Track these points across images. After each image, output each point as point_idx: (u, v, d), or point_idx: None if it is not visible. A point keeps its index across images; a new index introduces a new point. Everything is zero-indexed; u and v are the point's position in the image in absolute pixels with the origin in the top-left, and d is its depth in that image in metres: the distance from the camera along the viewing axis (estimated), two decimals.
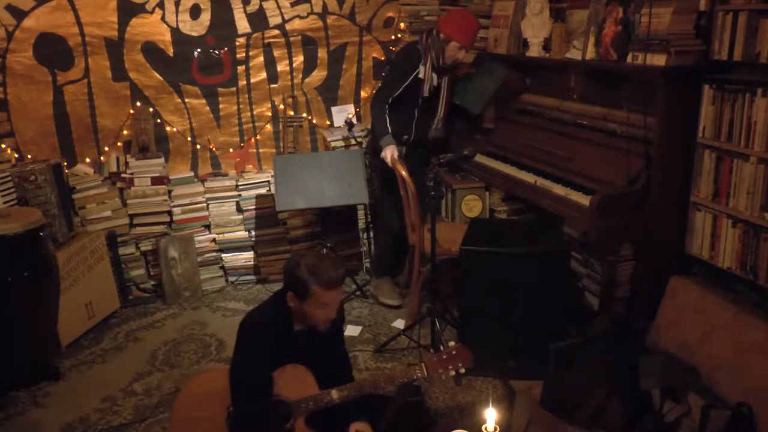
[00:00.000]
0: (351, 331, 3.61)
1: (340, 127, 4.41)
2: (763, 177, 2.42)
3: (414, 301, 3.54)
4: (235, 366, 2.25)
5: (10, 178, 3.48)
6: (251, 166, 4.42)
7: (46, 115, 3.92)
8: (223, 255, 4.29)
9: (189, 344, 3.56)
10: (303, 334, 2.28)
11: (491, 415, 1.82)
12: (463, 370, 2.25)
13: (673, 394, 2.26)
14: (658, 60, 2.70)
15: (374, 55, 4.52)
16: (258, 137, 4.41)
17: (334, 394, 2.17)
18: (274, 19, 4.23)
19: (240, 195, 4.25)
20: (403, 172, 3.40)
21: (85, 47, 3.91)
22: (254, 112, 4.37)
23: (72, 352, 3.47)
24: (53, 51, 3.84)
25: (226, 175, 4.37)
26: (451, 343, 2.30)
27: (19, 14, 3.72)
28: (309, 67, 4.39)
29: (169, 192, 4.16)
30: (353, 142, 4.25)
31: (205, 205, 4.23)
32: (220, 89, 4.25)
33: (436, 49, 3.57)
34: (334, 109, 4.50)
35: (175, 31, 4.05)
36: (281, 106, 4.38)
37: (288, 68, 4.36)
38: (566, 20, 3.51)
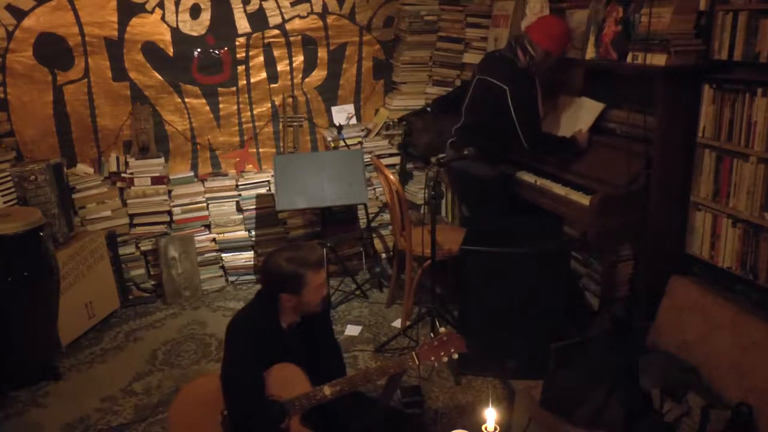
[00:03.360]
0: (351, 331, 3.61)
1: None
2: (763, 177, 2.42)
3: (408, 302, 3.54)
4: (225, 369, 2.24)
5: (10, 178, 3.48)
6: (251, 166, 4.42)
7: (46, 115, 3.92)
8: (223, 255, 4.30)
9: (189, 344, 3.57)
10: (291, 331, 2.27)
11: (491, 415, 1.82)
12: (455, 356, 2.25)
13: (673, 394, 2.26)
14: (658, 60, 2.70)
15: (374, 55, 4.52)
16: (258, 137, 4.42)
17: (327, 390, 2.16)
18: (274, 19, 4.23)
19: (240, 195, 4.25)
20: (390, 176, 3.41)
21: (85, 47, 3.91)
22: (254, 112, 4.37)
23: (72, 352, 3.47)
24: (53, 51, 3.84)
25: (226, 175, 4.37)
26: (442, 329, 2.30)
27: (19, 14, 3.72)
28: (309, 66, 4.39)
29: (169, 192, 4.16)
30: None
31: (205, 204, 4.23)
32: (220, 89, 4.25)
33: (535, 66, 3.25)
34: (334, 109, 4.50)
35: (175, 31, 4.05)
36: (281, 106, 4.38)
37: (288, 68, 4.36)
38: (566, 20, 3.50)
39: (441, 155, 3.22)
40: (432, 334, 2.32)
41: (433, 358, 2.23)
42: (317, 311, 2.29)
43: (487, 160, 3.38)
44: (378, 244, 4.47)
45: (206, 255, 4.24)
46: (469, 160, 3.25)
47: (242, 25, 4.17)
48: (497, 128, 3.27)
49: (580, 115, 3.34)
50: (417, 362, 2.23)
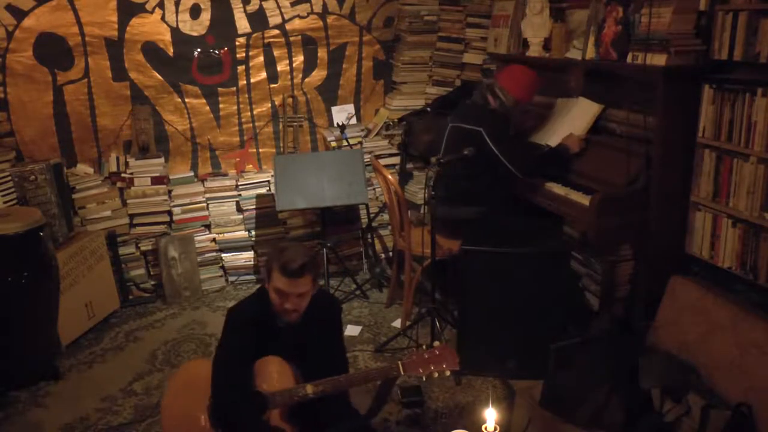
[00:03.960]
0: (351, 331, 3.61)
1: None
2: (763, 177, 2.42)
3: (408, 302, 3.54)
4: (216, 355, 2.27)
5: (10, 178, 3.48)
6: (251, 166, 4.42)
7: (46, 115, 3.92)
8: (223, 255, 4.29)
9: (189, 344, 3.57)
10: (288, 328, 2.26)
11: (491, 415, 1.82)
12: (447, 373, 2.19)
13: (673, 394, 2.26)
14: (658, 60, 2.70)
15: (374, 55, 4.52)
16: (258, 137, 4.42)
17: (309, 388, 2.14)
18: (274, 19, 4.23)
19: (240, 195, 4.25)
20: (389, 177, 3.41)
21: (85, 47, 3.91)
22: (254, 112, 4.37)
23: (72, 352, 3.47)
24: (53, 51, 3.84)
25: (226, 175, 4.37)
26: (436, 343, 2.25)
27: (19, 14, 3.72)
28: (309, 66, 4.39)
29: (169, 192, 4.16)
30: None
31: (205, 204, 4.23)
32: (220, 89, 4.25)
33: (506, 110, 3.34)
34: (334, 109, 4.50)
35: (175, 31, 4.05)
36: (281, 106, 4.38)
37: (288, 68, 4.36)
38: (566, 20, 3.51)
39: (440, 155, 3.22)
40: (424, 346, 2.27)
41: (421, 371, 2.17)
42: (288, 320, 2.23)
43: (472, 202, 3.39)
44: (378, 244, 4.47)
45: (206, 255, 4.24)
46: (453, 206, 3.31)
47: (242, 25, 4.17)
48: (478, 169, 3.27)
49: (577, 116, 3.34)
50: (402, 373, 2.19)
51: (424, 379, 2.20)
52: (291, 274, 2.15)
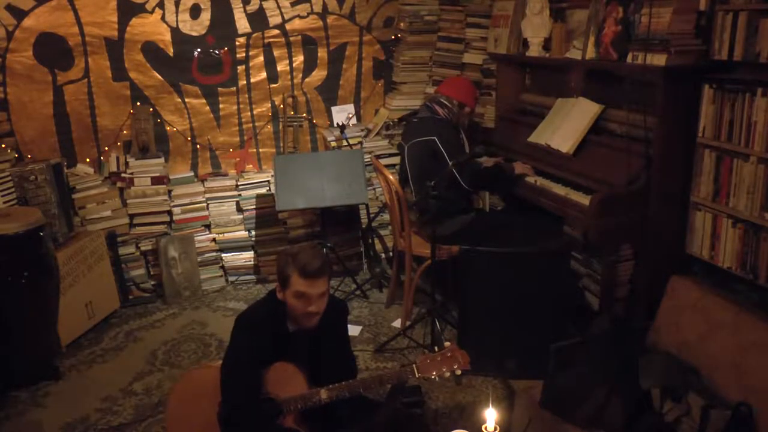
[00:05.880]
0: (351, 331, 3.60)
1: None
2: (763, 177, 2.42)
3: (408, 302, 3.54)
4: (225, 361, 2.25)
5: (10, 178, 3.48)
6: (251, 166, 4.42)
7: (46, 115, 3.92)
8: (223, 255, 4.29)
9: (189, 344, 3.57)
10: (298, 334, 2.25)
11: (491, 415, 1.82)
12: (459, 372, 2.20)
13: (673, 394, 2.26)
14: (658, 60, 2.70)
15: (374, 55, 4.52)
16: (258, 137, 4.42)
17: (323, 393, 2.14)
18: (274, 19, 4.23)
19: (240, 195, 4.25)
20: (390, 177, 3.41)
21: (85, 47, 3.91)
22: (254, 112, 4.37)
23: (72, 352, 3.47)
24: (53, 51, 3.84)
25: (226, 175, 4.37)
26: (447, 344, 2.25)
27: (19, 14, 3.72)
28: (309, 66, 4.39)
29: (169, 192, 4.16)
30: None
31: (205, 204, 4.23)
32: (220, 89, 4.25)
33: (454, 117, 3.54)
34: (334, 109, 4.50)
35: (175, 31, 4.05)
36: (281, 106, 4.38)
37: (288, 68, 4.36)
38: (566, 20, 3.51)
39: (434, 181, 3.20)
40: (436, 348, 2.28)
41: (434, 373, 2.18)
42: (307, 327, 2.21)
43: (459, 211, 3.41)
44: (378, 244, 4.47)
45: (206, 255, 4.24)
46: (443, 221, 3.30)
47: (242, 25, 4.17)
48: (443, 179, 3.27)
49: (577, 116, 3.34)
50: (417, 375, 2.19)
51: (437, 380, 2.20)
52: (311, 274, 2.13)
